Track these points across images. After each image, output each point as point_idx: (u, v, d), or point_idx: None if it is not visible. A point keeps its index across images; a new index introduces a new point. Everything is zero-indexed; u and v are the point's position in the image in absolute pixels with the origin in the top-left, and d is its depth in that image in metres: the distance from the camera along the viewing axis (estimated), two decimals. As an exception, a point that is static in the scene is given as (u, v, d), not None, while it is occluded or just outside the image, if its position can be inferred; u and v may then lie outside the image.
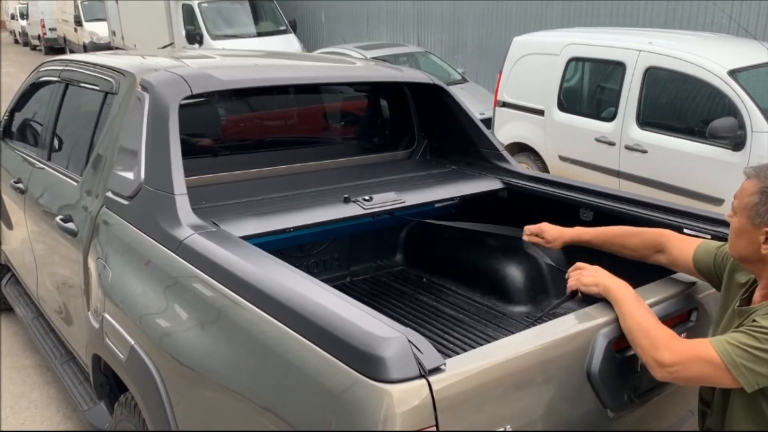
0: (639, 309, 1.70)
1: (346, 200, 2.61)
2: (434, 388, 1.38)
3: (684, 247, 1.97)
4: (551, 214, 2.91)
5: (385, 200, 2.68)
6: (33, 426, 3.39)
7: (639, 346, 1.64)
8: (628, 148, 5.48)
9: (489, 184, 3.03)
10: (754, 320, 1.56)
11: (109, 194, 2.53)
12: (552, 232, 2.33)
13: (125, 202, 2.43)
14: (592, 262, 1.99)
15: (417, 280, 3.31)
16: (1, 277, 4.31)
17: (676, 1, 8.61)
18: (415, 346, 1.42)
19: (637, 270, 2.08)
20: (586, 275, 1.89)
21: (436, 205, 3.01)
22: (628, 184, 5.46)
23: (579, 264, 2.00)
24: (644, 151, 5.36)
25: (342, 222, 2.62)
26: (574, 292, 1.89)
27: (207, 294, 1.90)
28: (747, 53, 5.31)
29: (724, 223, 2.31)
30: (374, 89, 3.60)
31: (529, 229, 2.40)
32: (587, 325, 1.71)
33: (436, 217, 3.14)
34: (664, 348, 1.58)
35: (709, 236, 2.32)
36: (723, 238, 2.27)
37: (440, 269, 3.28)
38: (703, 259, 1.92)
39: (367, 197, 2.63)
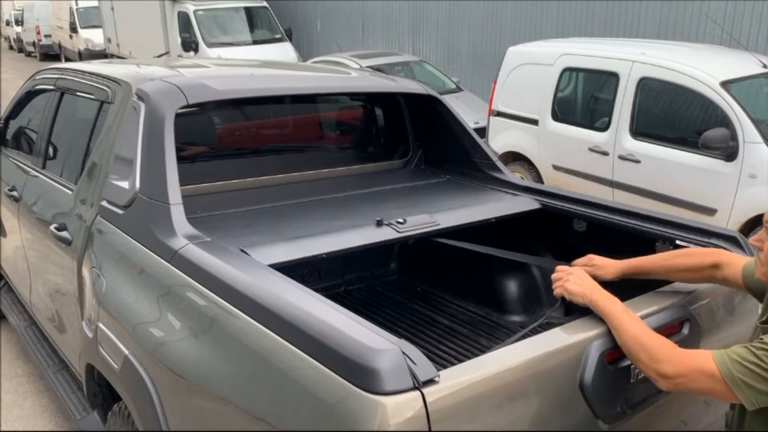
0: (631, 322, 1.68)
1: (379, 223, 2.47)
2: (428, 399, 1.38)
3: (736, 264, 1.93)
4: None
5: (419, 223, 2.54)
6: (25, 435, 3.38)
7: (639, 361, 1.63)
8: (621, 158, 5.52)
9: (525, 204, 2.86)
10: (760, 338, 1.53)
11: (104, 203, 2.53)
12: (602, 262, 2.11)
13: (120, 211, 2.43)
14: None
15: (411, 290, 3.32)
16: (-6, 285, 4.30)
17: (669, 11, 8.68)
18: (409, 358, 1.42)
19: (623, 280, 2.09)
20: (571, 283, 1.86)
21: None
22: (622, 194, 5.49)
23: (560, 267, 1.97)
24: (637, 161, 5.40)
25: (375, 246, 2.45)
26: (563, 299, 1.88)
27: (201, 304, 1.90)
28: (739, 65, 5.36)
29: (716, 235, 2.33)
30: (369, 99, 3.61)
31: (577, 261, 2.16)
32: (580, 336, 1.72)
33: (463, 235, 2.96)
34: (665, 360, 1.57)
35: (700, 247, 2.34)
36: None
37: (435, 279, 3.29)
38: (747, 277, 1.89)
39: (400, 220, 2.51)
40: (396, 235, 2.45)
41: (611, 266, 2.07)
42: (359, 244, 2.38)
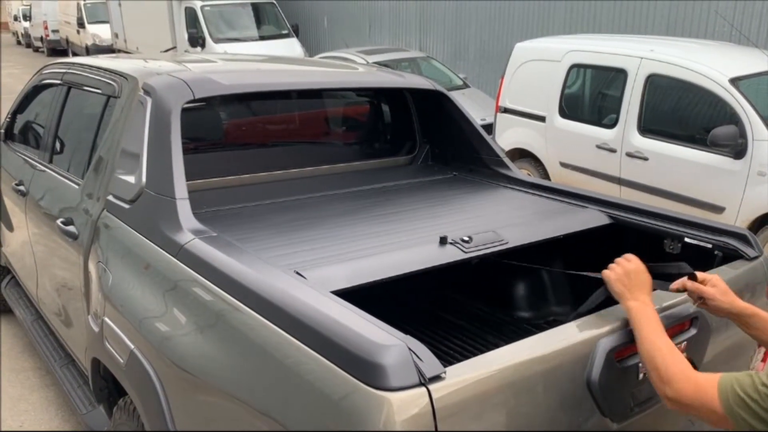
0: (651, 336, 1.63)
1: (443, 241, 2.25)
2: (434, 396, 1.38)
3: None
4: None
5: (485, 241, 2.31)
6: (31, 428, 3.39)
7: (650, 376, 1.61)
8: (629, 155, 5.49)
9: (595, 219, 2.65)
10: None
11: (111, 198, 2.53)
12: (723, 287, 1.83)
13: (126, 206, 2.43)
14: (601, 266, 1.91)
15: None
16: (1, 279, 4.31)
17: (678, 9, 8.63)
18: (415, 354, 1.41)
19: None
20: (617, 273, 1.78)
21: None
22: (629, 191, 5.47)
23: (625, 257, 1.84)
24: (645, 159, 5.37)
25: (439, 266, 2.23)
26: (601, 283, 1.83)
27: (207, 299, 1.90)
28: (748, 61, 5.32)
29: (726, 233, 2.32)
30: (376, 95, 3.60)
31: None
32: (588, 333, 1.71)
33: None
34: (669, 385, 1.53)
35: (710, 245, 2.32)
36: (723, 248, 2.28)
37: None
38: None
39: (465, 238, 2.28)
40: (462, 256, 2.23)
41: (731, 300, 1.81)
42: (424, 267, 2.15)
